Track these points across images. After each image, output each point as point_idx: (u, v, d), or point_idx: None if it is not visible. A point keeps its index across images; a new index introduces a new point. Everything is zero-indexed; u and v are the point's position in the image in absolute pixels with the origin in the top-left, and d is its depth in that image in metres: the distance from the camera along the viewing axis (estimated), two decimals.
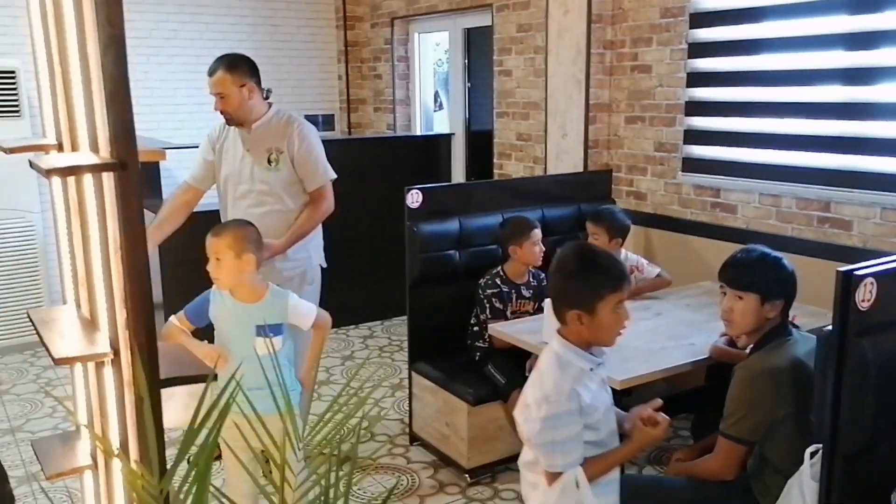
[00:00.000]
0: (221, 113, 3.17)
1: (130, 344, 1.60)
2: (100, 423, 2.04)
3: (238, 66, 3.15)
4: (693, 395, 3.36)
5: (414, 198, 3.47)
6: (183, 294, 4.75)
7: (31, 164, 1.60)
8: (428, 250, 3.51)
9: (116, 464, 1.93)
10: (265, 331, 2.46)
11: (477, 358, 3.48)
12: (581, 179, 4.24)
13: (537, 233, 3.42)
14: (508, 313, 3.42)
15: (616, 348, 2.78)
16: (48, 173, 1.42)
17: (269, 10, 5.98)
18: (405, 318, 3.71)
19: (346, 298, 5.08)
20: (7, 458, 3.55)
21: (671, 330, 3.03)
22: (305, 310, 2.61)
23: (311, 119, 6.22)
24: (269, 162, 3.18)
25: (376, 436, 3.78)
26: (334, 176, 3.29)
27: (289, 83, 6.11)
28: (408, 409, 3.73)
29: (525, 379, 3.26)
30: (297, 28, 6.14)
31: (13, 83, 4.75)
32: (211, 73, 3.13)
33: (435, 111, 6.45)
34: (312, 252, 3.34)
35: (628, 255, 3.61)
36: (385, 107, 6.29)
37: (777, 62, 3.59)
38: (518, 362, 3.31)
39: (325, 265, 3.43)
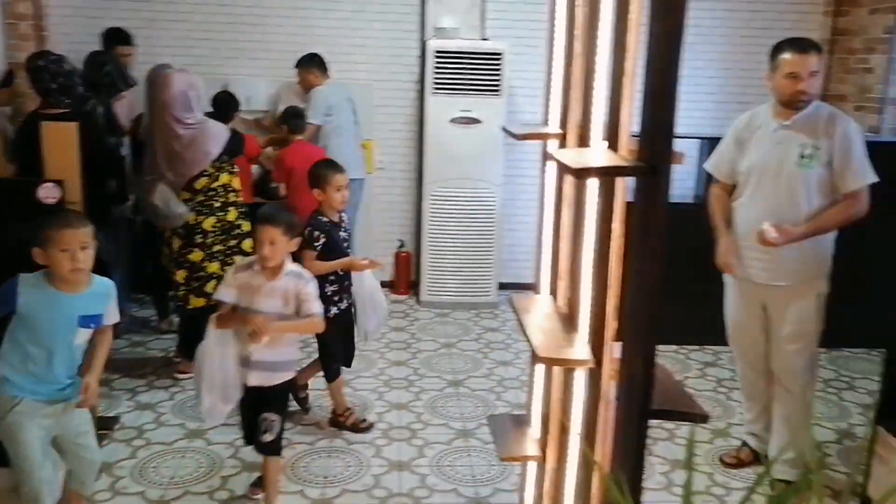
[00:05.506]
0: (804, 93, 2.97)
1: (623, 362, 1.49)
2: (558, 415, 2.01)
3: None
4: None
5: None
6: None
7: (548, 157, 1.57)
8: None
9: (572, 460, 1.88)
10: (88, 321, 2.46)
11: None
12: None
13: None
14: None
15: None
16: (577, 174, 1.34)
17: None
18: (862, 350, 3.09)
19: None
20: (449, 409, 3.89)
21: None
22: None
23: None
24: (802, 157, 2.95)
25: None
26: (874, 179, 2.94)
27: (758, 74, 5.60)
28: (864, 465, 3.15)
29: None
30: (778, 14, 5.58)
31: (498, 65, 5.10)
32: (805, 49, 2.99)
33: None
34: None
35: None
36: (870, 105, 5.43)
37: None
38: None
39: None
